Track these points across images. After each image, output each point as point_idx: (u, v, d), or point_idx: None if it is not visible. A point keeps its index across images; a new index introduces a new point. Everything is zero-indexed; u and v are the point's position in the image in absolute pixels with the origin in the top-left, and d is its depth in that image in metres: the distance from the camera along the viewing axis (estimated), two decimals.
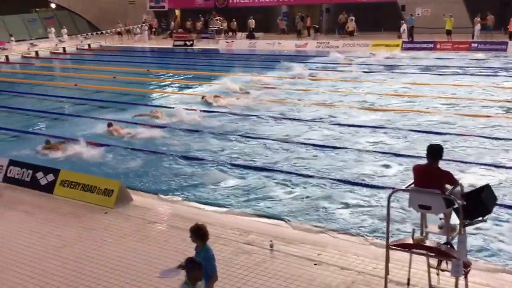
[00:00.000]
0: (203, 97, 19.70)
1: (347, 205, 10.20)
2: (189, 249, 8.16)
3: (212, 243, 8.27)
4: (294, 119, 16.47)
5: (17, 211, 10.02)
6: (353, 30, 35.42)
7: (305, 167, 12.31)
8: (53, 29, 40.04)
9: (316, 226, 9.28)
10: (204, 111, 17.61)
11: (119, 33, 42.18)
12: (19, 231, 9.15)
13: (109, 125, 15.78)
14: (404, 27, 33.11)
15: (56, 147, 14.13)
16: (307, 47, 33.44)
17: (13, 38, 36.79)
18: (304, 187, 11.12)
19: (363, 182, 11.22)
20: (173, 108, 18.12)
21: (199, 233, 6.01)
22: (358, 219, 9.58)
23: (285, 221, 9.51)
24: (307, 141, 14.18)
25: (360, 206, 10.14)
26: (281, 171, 11.98)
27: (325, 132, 15.12)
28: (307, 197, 10.64)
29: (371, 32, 34.48)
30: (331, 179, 11.41)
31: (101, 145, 14.37)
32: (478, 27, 31.14)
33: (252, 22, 38.17)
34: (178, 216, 9.60)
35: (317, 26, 37.16)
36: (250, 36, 37.34)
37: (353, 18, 35.46)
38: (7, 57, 34.70)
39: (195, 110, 17.40)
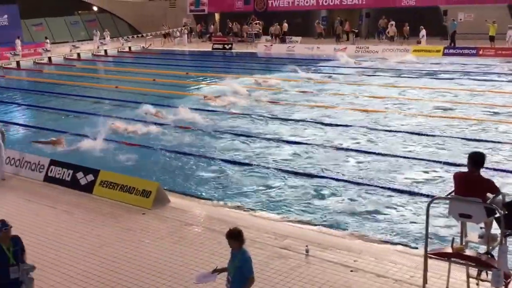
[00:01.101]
0: (204, 97, 20.35)
1: (385, 212, 10.05)
2: (225, 252, 8.18)
3: (248, 246, 8.25)
4: (330, 124, 16.34)
5: (57, 210, 10.26)
6: (394, 35, 34.99)
7: (341, 172, 12.20)
8: (98, 32, 40.89)
9: (352, 232, 9.18)
10: (243, 114, 17.71)
11: (165, 35, 42.82)
12: (59, 230, 9.36)
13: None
14: (423, 32, 32.86)
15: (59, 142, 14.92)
16: (346, 52, 33.17)
17: (47, 41, 37.47)
18: (341, 193, 11.01)
19: (402, 188, 11.03)
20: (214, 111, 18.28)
21: (236, 236, 5.96)
22: (397, 226, 9.43)
23: (321, 226, 9.43)
24: (344, 146, 14.06)
25: (399, 213, 9.98)
26: (318, 176, 11.90)
27: (362, 137, 14.96)
28: (344, 202, 10.53)
29: (412, 37, 33.95)
30: (368, 185, 11.27)
31: (138, 145, 14.62)
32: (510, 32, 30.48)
33: (285, 26, 38.20)
34: (214, 219, 9.64)
35: (356, 30, 36.86)
36: (282, 40, 37.44)
37: (393, 23, 35.01)
38: (49, 58, 35.69)
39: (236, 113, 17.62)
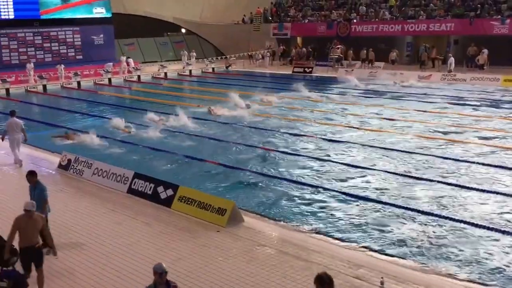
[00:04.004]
0: (209, 109, 22.62)
1: (470, 247, 9.56)
2: (298, 277, 8.19)
3: None
4: (400, 151, 15.96)
5: (138, 222, 10.67)
6: (484, 63, 33.69)
7: (421, 201, 11.81)
8: (186, 52, 42.35)
9: (432, 267, 8.81)
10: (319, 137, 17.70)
11: (250, 56, 43.77)
12: (139, 240, 9.72)
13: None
14: (451, 60, 31.51)
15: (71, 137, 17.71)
16: (431, 79, 32.32)
17: (122, 57, 38.93)
18: (421, 223, 10.64)
19: (481, 223, 10.52)
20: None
21: (327, 283, 5.36)
22: (482, 264, 8.93)
23: (398, 258, 9.16)
24: (414, 175, 13.64)
25: (484, 250, 9.47)
26: (396, 206, 11.57)
27: (441, 165, 14.46)
28: (424, 233, 10.16)
29: (503, 66, 32.48)
30: (449, 218, 10.82)
31: (218, 164, 14.96)
32: None
33: (363, 53, 37.92)
34: (287, 241, 9.63)
35: (442, 57, 35.85)
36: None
37: (486, 51, 33.75)
38: (139, 77, 37.45)
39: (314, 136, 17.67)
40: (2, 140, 15.37)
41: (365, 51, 38.14)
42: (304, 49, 43.06)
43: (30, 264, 7.68)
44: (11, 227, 7.56)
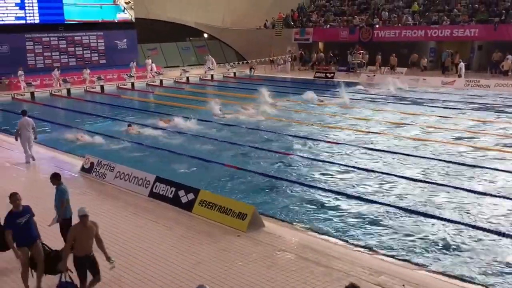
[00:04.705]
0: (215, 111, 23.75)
1: (491, 255, 9.41)
2: (317, 283, 8.17)
3: (340, 279, 8.20)
4: (422, 157, 15.78)
5: (159, 226, 10.75)
6: (508, 69, 33.21)
7: (443, 208, 11.68)
8: (210, 57, 42.54)
9: (451, 274, 8.71)
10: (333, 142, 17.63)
11: (272, 61, 43.86)
12: (160, 244, 9.79)
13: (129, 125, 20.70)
14: (461, 65, 30.91)
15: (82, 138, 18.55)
16: (454, 85, 31.97)
17: (147, 61, 38.97)
18: (443, 230, 10.52)
19: (505, 231, 10.35)
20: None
21: None
22: (505, 272, 8.77)
23: (420, 265, 9.06)
24: (443, 182, 13.47)
25: (507, 258, 9.29)
26: (418, 212, 11.46)
27: (465, 172, 14.27)
28: (446, 240, 10.05)
29: None
30: (471, 225, 10.68)
31: (236, 168, 15.00)
32: None
33: (378, 59, 37.72)
34: (308, 247, 9.61)
35: (466, 63, 35.47)
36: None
37: (510, 57, 33.26)
38: (161, 81, 37.78)
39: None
40: (16, 140, 16.07)
41: (379, 56, 37.90)
42: (321, 54, 43.04)
43: (86, 273, 7.52)
44: (68, 237, 7.45)
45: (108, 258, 7.69)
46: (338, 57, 42.47)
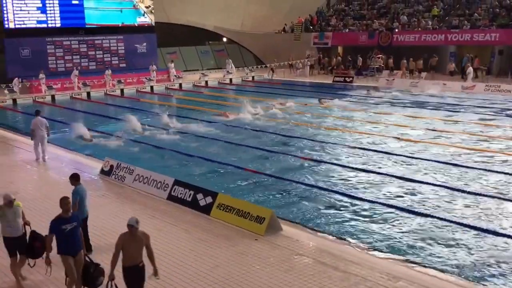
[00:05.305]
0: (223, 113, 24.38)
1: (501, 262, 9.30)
2: (334, 287, 8.13)
3: (358, 284, 8.18)
4: (444, 162, 15.63)
5: (178, 229, 10.81)
6: None
7: (463, 214, 11.56)
8: (230, 61, 42.67)
9: (470, 280, 8.61)
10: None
11: (291, 65, 43.92)
12: (178, 247, 9.85)
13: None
14: (470, 70, 30.42)
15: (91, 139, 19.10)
16: (475, 90, 31.62)
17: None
18: (463, 237, 10.41)
19: None
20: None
21: None
22: None
23: (440, 271, 8.97)
24: (464, 188, 13.34)
25: None
26: (438, 218, 11.35)
27: (489, 178, 14.10)
28: (466, 247, 9.93)
29: None
30: (492, 232, 10.54)
31: (254, 171, 15.02)
32: None
33: (404, 63, 37.41)
34: (325, 251, 9.58)
35: (485, 68, 35.09)
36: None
37: None
38: (180, 85, 38.01)
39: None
40: (32, 139, 16.61)
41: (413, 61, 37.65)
42: (340, 57, 42.94)
43: (134, 285, 7.26)
44: (115, 246, 7.17)
45: (155, 272, 7.40)
46: (352, 63, 41.85)
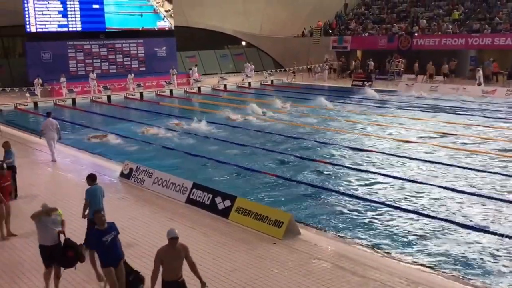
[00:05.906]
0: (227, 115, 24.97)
1: None
2: None
3: None
4: (460, 167, 15.45)
5: (196, 232, 10.85)
6: None
7: (481, 218, 11.41)
8: (249, 65, 42.74)
9: (491, 286, 8.49)
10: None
11: (309, 69, 43.89)
12: (197, 250, 9.83)
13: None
14: (479, 73, 29.93)
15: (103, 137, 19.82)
16: (496, 94, 31.22)
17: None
18: (481, 241, 10.30)
19: None
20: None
21: None
22: None
23: (459, 277, 8.88)
24: (481, 192, 13.16)
25: None
26: (456, 223, 11.22)
27: (504, 183, 13.90)
28: (486, 252, 9.80)
29: None
30: (510, 237, 10.39)
31: (275, 175, 15.02)
32: None
33: (429, 67, 37.04)
34: (344, 256, 9.54)
35: (507, 72, 34.61)
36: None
37: None
38: (199, 88, 38.20)
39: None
40: (40, 138, 17.63)
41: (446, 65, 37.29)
42: (358, 61, 42.77)
43: None
44: (154, 262, 6.97)
45: (203, 284, 7.14)
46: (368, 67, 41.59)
